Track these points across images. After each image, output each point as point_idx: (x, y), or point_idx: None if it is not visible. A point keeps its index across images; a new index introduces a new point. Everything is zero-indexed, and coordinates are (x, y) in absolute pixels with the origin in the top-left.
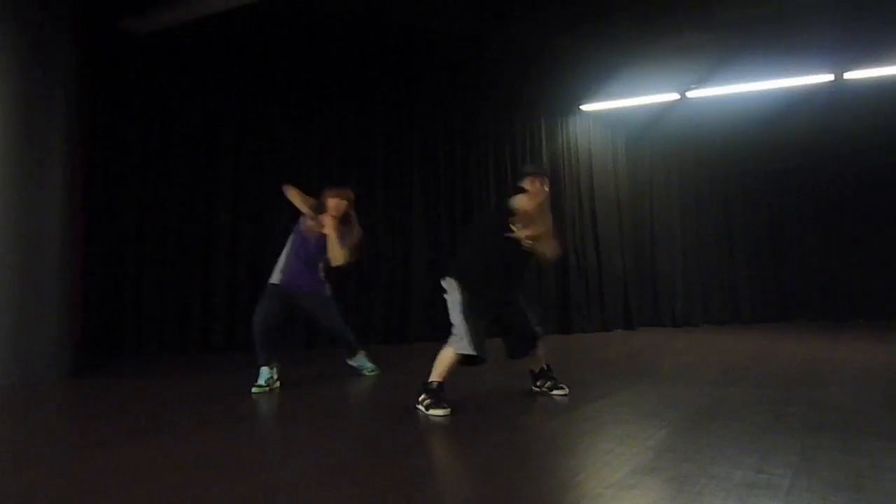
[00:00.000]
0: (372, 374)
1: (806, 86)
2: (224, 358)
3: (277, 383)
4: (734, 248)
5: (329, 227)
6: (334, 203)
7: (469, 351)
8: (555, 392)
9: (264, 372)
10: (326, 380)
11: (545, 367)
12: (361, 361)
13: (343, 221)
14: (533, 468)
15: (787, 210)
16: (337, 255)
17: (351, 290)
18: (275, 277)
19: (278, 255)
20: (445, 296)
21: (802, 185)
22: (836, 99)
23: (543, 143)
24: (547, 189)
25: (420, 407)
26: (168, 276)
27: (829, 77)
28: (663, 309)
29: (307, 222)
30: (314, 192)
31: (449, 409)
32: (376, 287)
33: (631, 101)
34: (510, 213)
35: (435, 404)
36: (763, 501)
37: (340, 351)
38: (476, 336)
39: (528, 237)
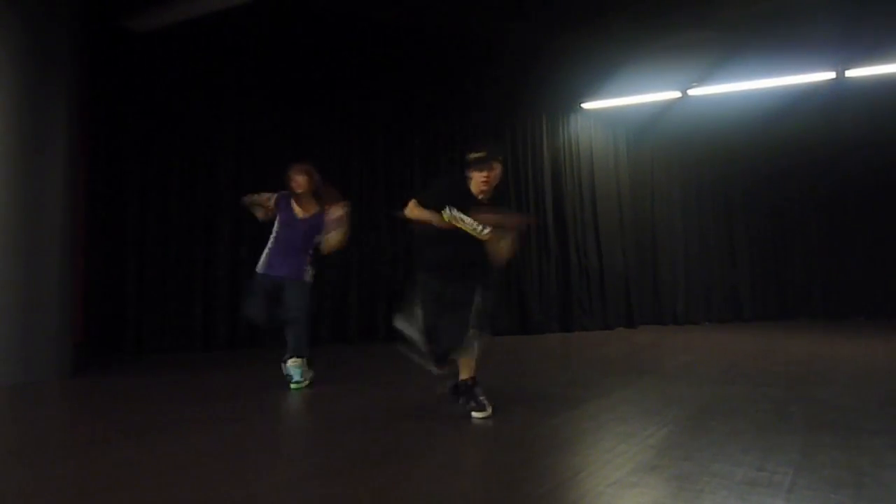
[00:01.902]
0: (296, 387)
1: (807, 84)
2: (225, 356)
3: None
4: (735, 246)
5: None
6: (294, 181)
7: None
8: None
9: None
10: (329, 377)
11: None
12: (294, 371)
13: (315, 195)
14: (534, 466)
15: (789, 208)
16: (337, 238)
17: (353, 289)
18: (259, 266)
19: None
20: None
21: (804, 183)
22: (838, 97)
23: (545, 142)
24: (487, 179)
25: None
26: (169, 274)
27: (831, 75)
28: (665, 307)
29: (297, 207)
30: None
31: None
32: (378, 285)
33: (632, 99)
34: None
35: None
36: (764, 499)
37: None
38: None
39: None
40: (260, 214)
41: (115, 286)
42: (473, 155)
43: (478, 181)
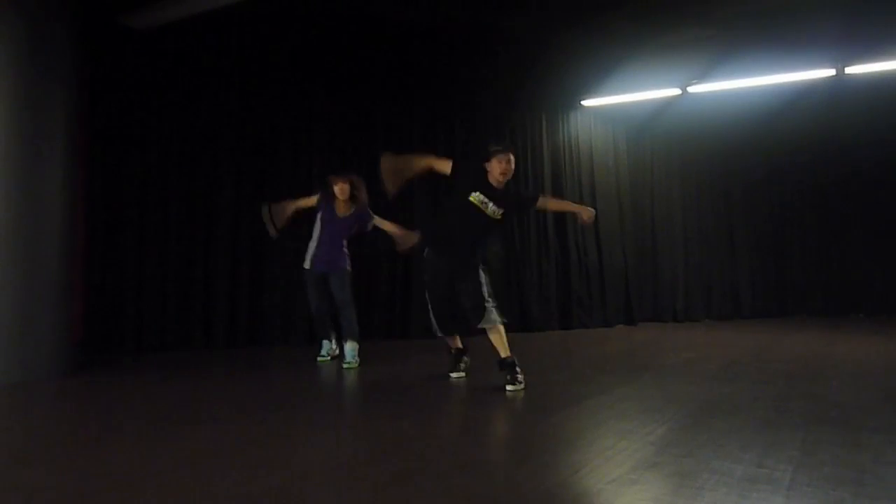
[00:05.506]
0: (349, 367)
1: (807, 81)
2: (225, 354)
3: (336, 351)
4: (735, 243)
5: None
6: (339, 188)
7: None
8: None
9: (325, 344)
10: (328, 375)
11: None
12: (349, 352)
13: (352, 200)
14: (534, 464)
15: (788, 205)
16: (388, 227)
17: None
18: (306, 262)
19: (279, 251)
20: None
21: (803, 181)
22: (838, 94)
23: (544, 139)
24: (509, 167)
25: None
26: (169, 272)
27: (831, 72)
28: (664, 304)
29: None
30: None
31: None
32: (378, 283)
33: (632, 96)
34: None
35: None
36: (764, 496)
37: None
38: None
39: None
40: (272, 231)
41: (115, 284)
42: (495, 147)
43: (496, 172)
